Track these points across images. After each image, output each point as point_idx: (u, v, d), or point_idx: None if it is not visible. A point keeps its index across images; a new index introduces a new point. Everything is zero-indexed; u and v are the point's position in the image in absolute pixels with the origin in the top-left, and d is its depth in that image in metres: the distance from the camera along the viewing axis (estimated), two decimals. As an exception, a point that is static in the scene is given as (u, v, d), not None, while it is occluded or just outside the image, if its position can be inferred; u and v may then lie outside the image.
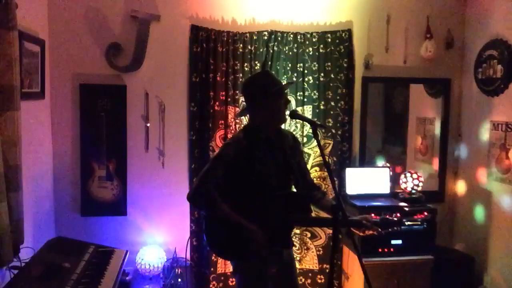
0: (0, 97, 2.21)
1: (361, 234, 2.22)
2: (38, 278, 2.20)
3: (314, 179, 3.55)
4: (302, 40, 3.50)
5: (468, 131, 3.78)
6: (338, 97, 3.57)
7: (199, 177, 2.27)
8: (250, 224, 2.21)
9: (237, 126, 3.43)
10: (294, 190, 2.49)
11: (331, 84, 3.56)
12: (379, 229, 2.20)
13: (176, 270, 3.32)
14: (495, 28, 3.45)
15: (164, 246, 3.45)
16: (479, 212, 3.62)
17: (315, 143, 3.49)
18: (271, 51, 3.45)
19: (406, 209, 3.32)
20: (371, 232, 2.21)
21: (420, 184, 3.58)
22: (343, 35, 3.56)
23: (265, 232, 2.21)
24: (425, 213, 3.34)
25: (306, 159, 3.54)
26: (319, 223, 2.93)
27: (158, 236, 3.50)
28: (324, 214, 2.44)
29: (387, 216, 2.91)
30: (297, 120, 3.49)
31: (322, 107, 3.55)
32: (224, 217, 2.23)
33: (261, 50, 3.45)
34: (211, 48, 3.39)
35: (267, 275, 2.33)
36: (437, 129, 3.90)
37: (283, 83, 2.47)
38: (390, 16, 3.68)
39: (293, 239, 3.48)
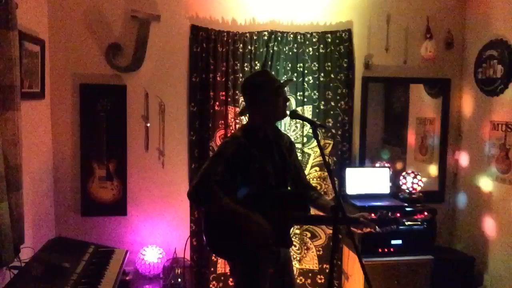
0: (0, 97, 2.21)
1: (359, 231, 2.26)
2: (38, 278, 2.20)
3: (314, 179, 3.56)
4: (302, 40, 3.50)
5: (468, 131, 3.78)
6: (338, 97, 3.57)
7: (199, 174, 2.22)
8: (255, 214, 2.18)
9: (237, 126, 3.43)
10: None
11: (331, 84, 3.56)
12: (377, 227, 2.23)
13: (176, 270, 3.32)
14: (495, 28, 3.45)
15: (164, 246, 3.45)
16: (479, 212, 3.62)
17: (315, 143, 3.49)
18: (271, 51, 3.45)
19: (406, 209, 3.33)
20: (369, 229, 2.24)
21: (420, 184, 3.58)
22: (343, 35, 3.57)
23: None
24: (425, 213, 3.35)
25: (306, 159, 3.55)
26: (318, 221, 2.93)
27: (158, 236, 3.50)
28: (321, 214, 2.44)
29: (385, 214, 2.92)
30: (297, 120, 3.49)
31: (322, 107, 3.55)
32: (226, 212, 2.18)
33: (261, 50, 3.45)
34: (211, 48, 3.39)
35: (265, 276, 2.32)
36: (437, 129, 3.90)
37: (282, 81, 2.49)
38: (390, 16, 3.68)
39: (293, 239, 3.48)
